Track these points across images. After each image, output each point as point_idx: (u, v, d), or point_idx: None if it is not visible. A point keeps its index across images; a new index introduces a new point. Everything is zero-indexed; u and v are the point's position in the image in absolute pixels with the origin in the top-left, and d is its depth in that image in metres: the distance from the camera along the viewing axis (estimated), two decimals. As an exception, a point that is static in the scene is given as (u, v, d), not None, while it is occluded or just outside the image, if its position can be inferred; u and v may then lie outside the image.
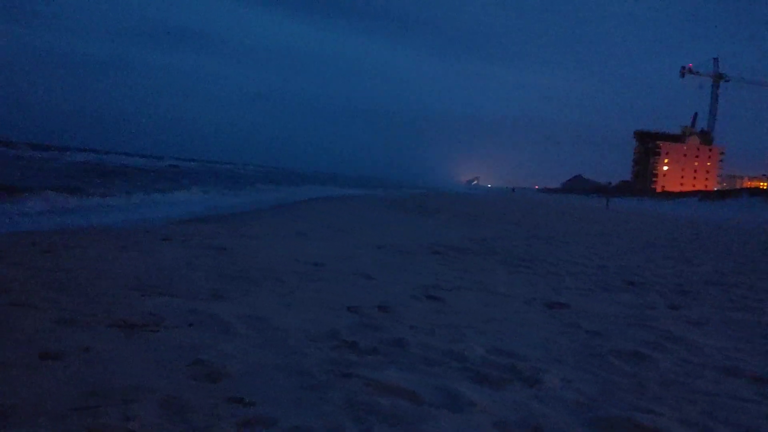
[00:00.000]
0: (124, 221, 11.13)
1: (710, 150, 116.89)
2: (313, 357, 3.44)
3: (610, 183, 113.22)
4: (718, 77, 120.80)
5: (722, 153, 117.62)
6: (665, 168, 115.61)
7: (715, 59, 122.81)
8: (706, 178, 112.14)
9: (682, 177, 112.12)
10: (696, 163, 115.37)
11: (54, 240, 7.46)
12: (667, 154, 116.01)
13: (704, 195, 55.74)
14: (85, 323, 3.80)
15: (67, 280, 5.03)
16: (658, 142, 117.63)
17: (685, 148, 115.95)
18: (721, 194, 54.70)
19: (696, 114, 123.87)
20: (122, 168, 40.13)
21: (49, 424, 2.40)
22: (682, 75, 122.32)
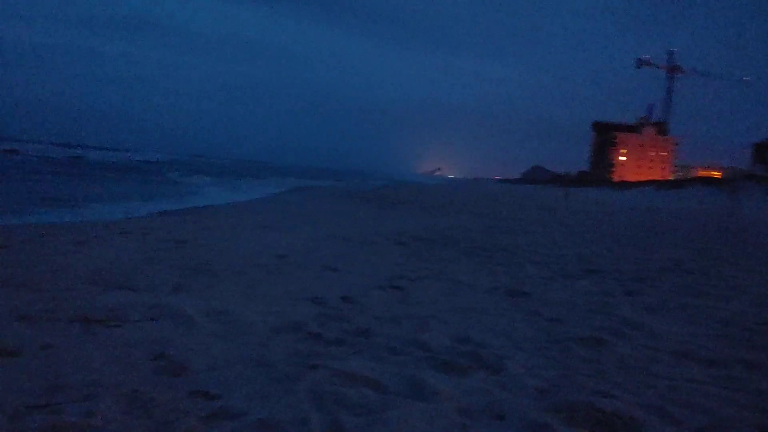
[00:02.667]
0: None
1: (666, 140, 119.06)
2: (278, 349, 3.43)
3: (568, 173, 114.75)
4: (673, 69, 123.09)
5: (677, 144, 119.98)
6: (622, 158, 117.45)
7: (670, 51, 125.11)
8: (662, 168, 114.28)
9: (639, 167, 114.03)
10: (652, 154, 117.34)
11: (9, 235, 7.28)
12: (624, 144, 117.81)
13: (660, 184, 56.80)
14: (44, 319, 3.73)
15: (24, 275, 4.92)
16: (615, 133, 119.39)
17: (641, 138, 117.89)
18: (676, 184, 55.83)
19: (651, 105, 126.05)
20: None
21: (5, 423, 2.35)
22: (638, 66, 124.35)
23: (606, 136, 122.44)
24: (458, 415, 2.67)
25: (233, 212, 13.99)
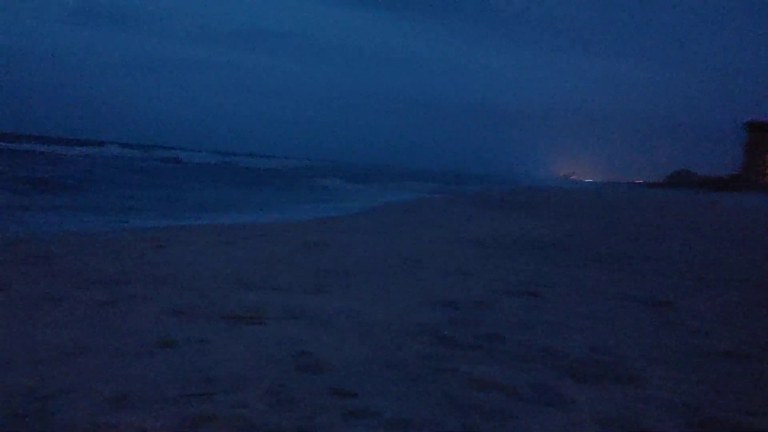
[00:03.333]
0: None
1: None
2: (412, 351, 3.51)
3: (718, 176, 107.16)
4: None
5: None
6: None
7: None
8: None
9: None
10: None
11: (166, 236, 7.89)
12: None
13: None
14: (197, 315, 4.03)
15: (178, 274, 5.33)
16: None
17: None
18: None
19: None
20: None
21: (165, 407, 2.57)
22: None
23: (762, 136, 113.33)
24: (596, 426, 2.62)
25: (367, 215, 14.34)
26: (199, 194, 19.48)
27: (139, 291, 4.60)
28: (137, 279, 5.03)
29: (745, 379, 3.32)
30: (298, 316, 4.13)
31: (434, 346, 3.62)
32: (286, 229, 9.82)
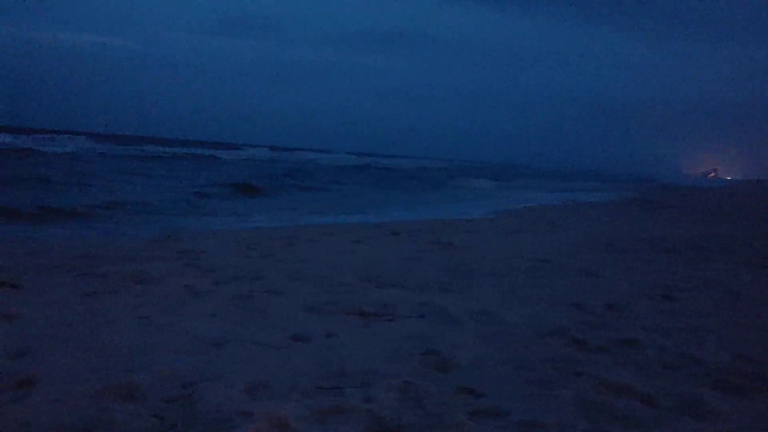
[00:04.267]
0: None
1: None
2: (540, 353, 3.44)
3: None
4: None
5: None
6: None
7: None
8: None
9: None
10: None
11: (298, 234, 8.20)
12: None
13: None
14: (327, 311, 4.17)
15: (309, 270, 5.53)
16: None
17: None
18: None
19: None
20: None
21: (300, 398, 2.68)
22: None
23: None
24: (741, 439, 2.46)
25: (500, 216, 14.20)
26: (342, 194, 20.25)
27: (273, 286, 4.81)
28: (271, 275, 5.27)
29: None
30: (425, 314, 4.17)
31: (565, 349, 3.54)
32: (417, 228, 9.92)
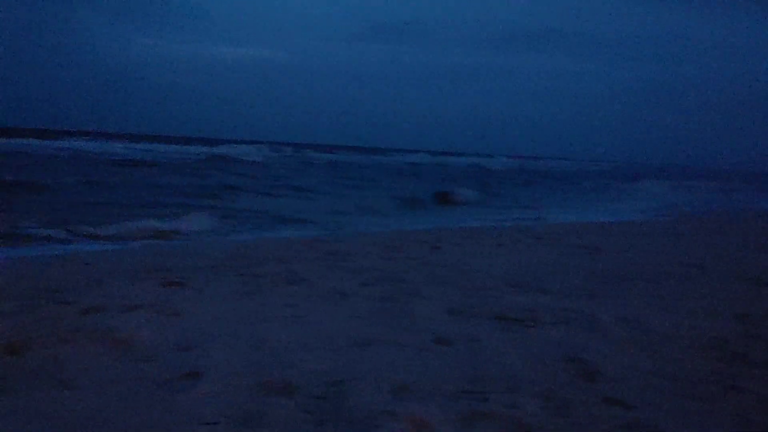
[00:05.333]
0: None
1: None
2: (696, 365, 3.26)
3: None
4: None
5: None
6: None
7: None
8: None
9: None
10: None
11: (441, 237, 8.28)
12: None
13: None
14: (469, 314, 4.18)
15: (453, 274, 5.57)
16: None
17: None
18: None
19: None
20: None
21: (443, 401, 2.72)
22: None
23: None
24: None
25: (654, 218, 13.55)
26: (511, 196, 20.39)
27: (417, 289, 4.89)
28: (415, 278, 5.35)
29: None
30: (569, 320, 4.07)
31: (724, 362, 3.33)
32: (564, 231, 9.69)
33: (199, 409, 2.60)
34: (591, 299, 4.70)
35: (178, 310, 4.07)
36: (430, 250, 7.05)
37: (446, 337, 3.64)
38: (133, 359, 3.21)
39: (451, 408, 2.64)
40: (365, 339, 3.59)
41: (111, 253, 7.22)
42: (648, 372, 3.16)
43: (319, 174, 27.19)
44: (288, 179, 22.21)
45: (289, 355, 3.28)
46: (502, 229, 10.05)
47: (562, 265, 6.22)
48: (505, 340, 3.63)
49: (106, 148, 35.86)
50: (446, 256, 6.64)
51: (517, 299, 4.62)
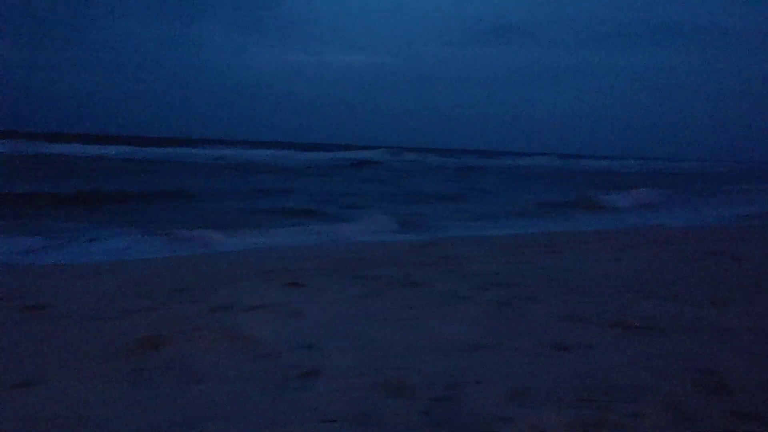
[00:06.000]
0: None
1: None
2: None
3: None
4: None
5: None
6: None
7: None
8: None
9: None
10: None
11: (555, 240, 8.10)
12: None
13: None
14: (587, 320, 4.07)
15: (570, 279, 5.44)
16: None
17: None
18: None
19: None
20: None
21: (562, 408, 2.66)
22: None
23: None
24: None
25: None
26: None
27: (532, 293, 4.82)
28: (530, 282, 5.27)
29: None
30: (696, 329, 3.87)
31: None
32: (690, 235, 9.23)
33: (319, 407, 2.70)
34: (720, 308, 4.44)
35: (299, 310, 4.23)
36: (544, 255, 6.91)
37: (564, 343, 3.57)
38: (256, 356, 3.37)
39: (570, 416, 2.59)
40: (480, 343, 3.58)
41: (235, 254, 7.59)
42: (785, 387, 2.95)
43: (457, 178, 28.71)
44: (439, 184, 23.35)
45: (405, 357, 3.32)
46: (626, 232, 9.69)
47: (688, 271, 5.92)
48: (626, 348, 3.51)
49: (247, 157, 39.05)
50: (565, 261, 6.49)
51: (639, 306, 4.44)
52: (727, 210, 16.22)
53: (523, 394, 2.82)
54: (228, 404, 2.76)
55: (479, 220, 12.73)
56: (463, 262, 6.40)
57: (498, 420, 2.54)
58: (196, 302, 4.42)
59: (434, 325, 3.95)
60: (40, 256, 7.45)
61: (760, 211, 15.42)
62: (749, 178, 36.89)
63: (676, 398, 2.78)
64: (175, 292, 4.79)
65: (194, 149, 45.07)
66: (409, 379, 2.99)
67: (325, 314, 4.17)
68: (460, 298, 4.71)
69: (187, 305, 4.34)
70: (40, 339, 3.71)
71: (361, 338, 3.65)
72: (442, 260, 6.51)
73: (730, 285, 5.23)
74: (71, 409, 2.72)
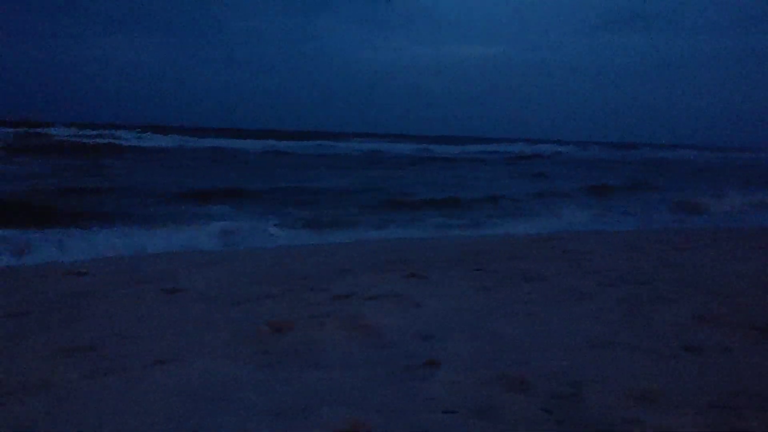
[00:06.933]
0: None
1: None
2: None
3: None
4: None
5: None
6: None
7: None
8: None
9: None
10: None
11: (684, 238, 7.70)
12: None
13: None
14: (723, 323, 3.84)
15: (699, 276, 5.16)
16: None
17: None
18: None
19: None
20: None
21: (693, 414, 2.54)
22: None
23: None
24: None
25: None
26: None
27: (660, 292, 4.61)
28: (658, 280, 5.05)
29: None
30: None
31: None
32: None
33: (439, 397, 2.72)
34: None
35: (419, 300, 4.27)
36: (672, 251, 6.58)
37: (695, 345, 3.39)
38: (377, 345, 3.44)
39: (703, 422, 2.47)
40: (604, 341, 3.48)
41: (355, 245, 7.76)
42: None
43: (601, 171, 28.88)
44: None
45: (525, 352, 3.28)
46: (759, 230, 9.05)
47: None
48: (764, 353, 3.29)
49: (392, 149, 40.74)
50: (695, 258, 6.16)
51: (781, 307, 4.15)
52: None
53: (649, 396, 2.72)
54: (348, 390, 2.84)
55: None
56: (586, 257, 6.22)
57: (623, 421, 2.46)
58: (320, 290, 4.57)
59: (555, 321, 3.87)
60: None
61: None
62: None
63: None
64: (301, 279, 4.98)
65: (335, 142, 46.73)
66: (529, 374, 2.95)
67: (444, 306, 4.19)
68: (583, 294, 4.58)
69: (311, 293, 4.50)
70: (175, 319, 3.97)
71: (480, 331, 3.64)
72: (564, 254, 6.37)
73: None
74: (204, 386, 2.89)
